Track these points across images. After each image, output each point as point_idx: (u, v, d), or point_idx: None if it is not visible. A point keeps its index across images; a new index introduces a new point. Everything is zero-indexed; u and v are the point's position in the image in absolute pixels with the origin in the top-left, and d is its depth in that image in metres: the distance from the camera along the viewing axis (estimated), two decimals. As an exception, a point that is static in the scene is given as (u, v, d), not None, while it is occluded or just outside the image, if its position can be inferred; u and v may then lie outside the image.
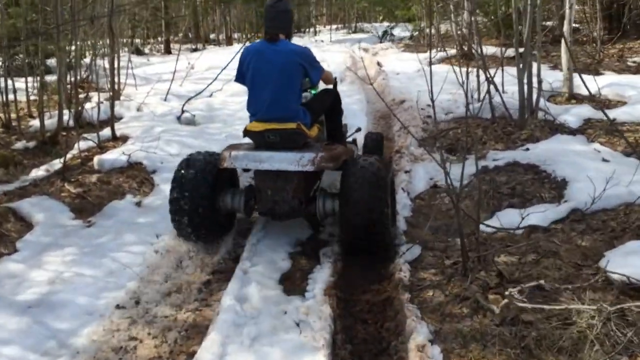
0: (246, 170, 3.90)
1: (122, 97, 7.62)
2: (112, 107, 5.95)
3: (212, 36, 20.54)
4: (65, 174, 4.98)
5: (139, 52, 15.90)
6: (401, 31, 16.11)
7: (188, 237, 3.70)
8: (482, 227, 3.33)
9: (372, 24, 25.59)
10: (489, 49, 8.05)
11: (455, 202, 3.09)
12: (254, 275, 3.33)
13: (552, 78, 6.87)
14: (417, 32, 13.75)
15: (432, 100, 3.07)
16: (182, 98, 7.36)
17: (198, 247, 3.76)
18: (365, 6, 22.06)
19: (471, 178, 4.33)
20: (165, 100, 7.54)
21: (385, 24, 21.36)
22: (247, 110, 3.71)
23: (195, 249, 3.75)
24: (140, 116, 6.81)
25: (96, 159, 5.25)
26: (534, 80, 5.53)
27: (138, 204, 4.54)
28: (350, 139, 4.70)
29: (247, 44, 11.20)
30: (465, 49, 8.71)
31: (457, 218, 3.07)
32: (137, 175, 5.00)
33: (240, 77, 3.76)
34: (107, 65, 7.82)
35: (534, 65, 5.60)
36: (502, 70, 6.37)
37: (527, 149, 4.77)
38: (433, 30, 10.93)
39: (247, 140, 3.71)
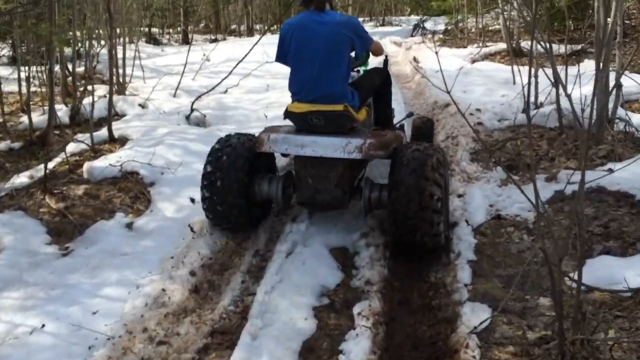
0: (285, 155, 3.61)
1: (127, 92, 6.82)
2: (109, 103, 5.14)
3: (233, 27, 19.71)
4: (47, 183, 4.19)
5: (156, 41, 15.15)
6: (433, 25, 15.06)
7: (219, 224, 3.47)
8: (569, 280, 2.42)
9: (399, 17, 24.57)
10: (539, 45, 7.03)
11: (554, 262, 2.17)
12: (265, 342, 2.47)
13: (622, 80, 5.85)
14: (452, 26, 12.71)
15: (528, 116, 2.15)
16: (194, 94, 6.52)
17: (194, 294, 2.91)
18: (394, -3, 20.98)
19: (545, 207, 3.41)
20: (174, 96, 6.70)
21: (414, 17, 20.29)
22: (289, 89, 3.40)
23: (191, 297, 2.89)
24: (144, 114, 5.99)
25: (86, 166, 4.45)
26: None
27: (129, 225, 3.71)
28: (397, 125, 4.21)
29: (269, 34, 10.34)
30: (514, 44, 7.72)
31: (552, 285, 2.15)
32: (132, 188, 4.17)
33: (281, 56, 3.41)
34: (119, 55, 7.05)
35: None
36: (567, 69, 5.36)
37: (611, 170, 3.80)
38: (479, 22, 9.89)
39: (288, 122, 3.42)
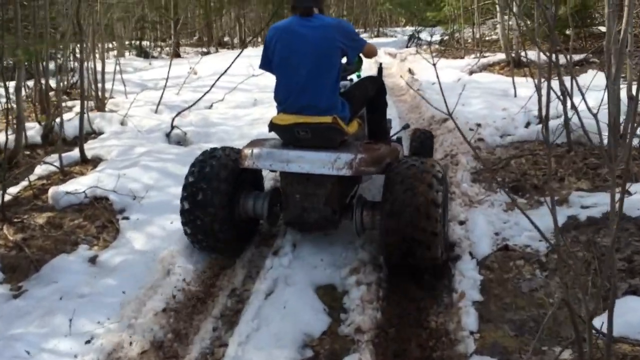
0: (272, 170, 3.34)
1: (107, 108, 6.45)
2: (80, 120, 4.75)
3: (226, 39, 19.45)
4: (7, 211, 3.80)
5: (146, 55, 14.85)
6: (427, 35, 14.80)
7: (202, 247, 3.20)
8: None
9: (394, 28, 24.43)
10: (536, 55, 6.68)
11: (579, 314, 1.79)
12: (235, 411, 2.07)
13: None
14: (447, 36, 12.42)
15: (547, 135, 1.78)
16: (176, 109, 6.14)
17: (156, 347, 2.51)
18: (389, 8, 20.77)
19: (563, 241, 3.02)
20: (155, 112, 6.33)
21: (409, 28, 20.08)
22: (274, 99, 3.20)
23: (152, 350, 2.49)
24: (122, 132, 5.61)
25: (51, 191, 4.05)
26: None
27: (92, 260, 3.32)
28: (394, 138, 4.00)
29: (261, 47, 10.00)
30: (514, 55, 7.38)
31: (577, 340, 1.76)
32: (99, 216, 3.78)
33: (266, 63, 3.18)
34: (99, 69, 6.70)
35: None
36: (572, 81, 5.00)
37: (629, 193, 3.43)
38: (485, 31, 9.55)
39: (274, 135, 3.18)
